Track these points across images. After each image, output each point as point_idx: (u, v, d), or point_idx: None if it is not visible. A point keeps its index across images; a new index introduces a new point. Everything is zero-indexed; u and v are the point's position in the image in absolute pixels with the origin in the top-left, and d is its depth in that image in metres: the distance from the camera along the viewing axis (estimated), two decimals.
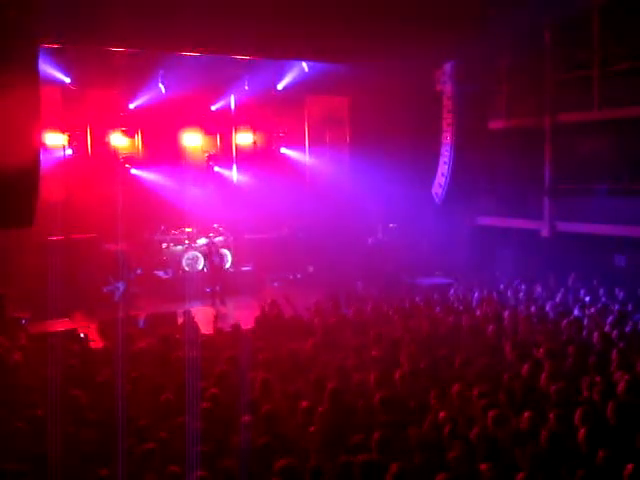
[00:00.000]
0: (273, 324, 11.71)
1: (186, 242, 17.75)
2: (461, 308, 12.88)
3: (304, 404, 7.19)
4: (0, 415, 7.39)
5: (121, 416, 6.80)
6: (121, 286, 14.49)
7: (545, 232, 17.20)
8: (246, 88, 18.09)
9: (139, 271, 15.29)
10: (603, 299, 13.10)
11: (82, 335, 11.86)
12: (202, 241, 17.81)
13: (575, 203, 16.72)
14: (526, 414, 6.70)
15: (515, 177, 17.94)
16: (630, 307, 12.28)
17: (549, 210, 17.19)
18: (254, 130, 19.60)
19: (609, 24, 15.28)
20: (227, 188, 19.01)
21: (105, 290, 14.81)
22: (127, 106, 17.56)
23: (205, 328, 11.90)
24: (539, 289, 14.41)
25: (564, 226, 16.83)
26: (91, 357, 10.04)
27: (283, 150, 19.78)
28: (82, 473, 6.09)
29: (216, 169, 19.01)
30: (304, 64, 17.33)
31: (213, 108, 18.65)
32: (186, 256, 17.54)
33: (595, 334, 9.98)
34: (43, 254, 15.92)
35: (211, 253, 17.10)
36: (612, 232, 15.56)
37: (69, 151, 16.71)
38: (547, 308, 12.42)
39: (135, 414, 7.09)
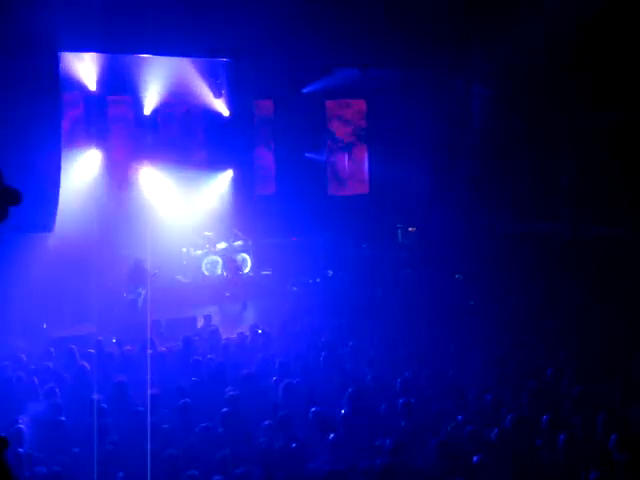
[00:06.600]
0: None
1: (206, 246, 17.74)
2: None
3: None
4: None
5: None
6: (141, 291, 14.50)
7: (566, 236, 16.99)
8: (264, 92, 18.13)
9: (156, 271, 15.29)
10: None
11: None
12: (221, 245, 17.79)
13: (597, 206, 16.48)
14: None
15: (535, 180, 17.75)
16: None
17: (570, 214, 16.99)
18: (274, 135, 19.55)
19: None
20: (246, 192, 18.96)
21: (125, 295, 14.83)
22: (145, 111, 17.59)
23: (226, 332, 11.91)
24: None
25: (586, 230, 16.60)
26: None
27: (307, 155, 19.73)
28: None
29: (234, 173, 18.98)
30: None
31: (228, 113, 18.59)
32: (205, 260, 17.55)
33: None
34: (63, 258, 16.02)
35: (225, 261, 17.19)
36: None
37: (90, 157, 16.80)
38: None
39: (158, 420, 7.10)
